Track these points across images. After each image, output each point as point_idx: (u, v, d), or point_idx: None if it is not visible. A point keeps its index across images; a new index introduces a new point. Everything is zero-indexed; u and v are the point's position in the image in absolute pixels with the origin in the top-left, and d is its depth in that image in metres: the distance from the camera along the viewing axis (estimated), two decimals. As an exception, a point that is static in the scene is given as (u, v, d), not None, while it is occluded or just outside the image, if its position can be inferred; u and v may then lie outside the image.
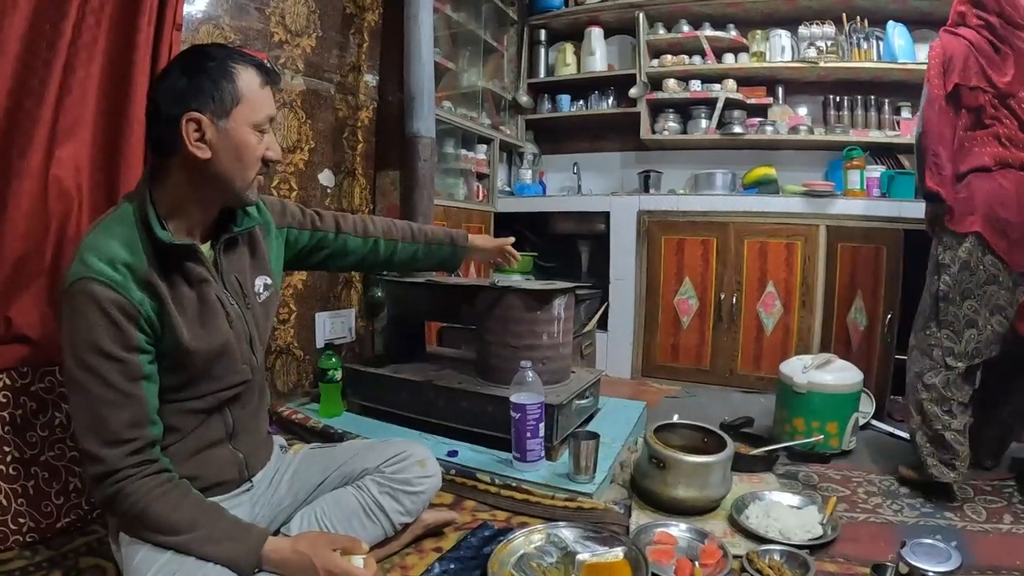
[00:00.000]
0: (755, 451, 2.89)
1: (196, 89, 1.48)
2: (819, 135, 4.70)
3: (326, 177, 3.63)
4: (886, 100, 4.64)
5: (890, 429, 3.43)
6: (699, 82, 4.98)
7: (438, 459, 2.12)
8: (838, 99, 4.77)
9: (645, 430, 2.58)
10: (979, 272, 2.61)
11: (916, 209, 3.56)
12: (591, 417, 3.15)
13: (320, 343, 3.55)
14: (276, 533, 1.70)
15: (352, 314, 3.86)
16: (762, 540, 2.13)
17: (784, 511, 2.30)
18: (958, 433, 2.59)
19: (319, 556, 1.54)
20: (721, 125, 4.89)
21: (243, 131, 1.54)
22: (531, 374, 2.51)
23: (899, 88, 4.55)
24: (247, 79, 1.54)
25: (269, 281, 1.85)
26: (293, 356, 3.43)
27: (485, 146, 5.03)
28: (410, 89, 3.49)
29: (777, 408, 3.28)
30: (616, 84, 5.27)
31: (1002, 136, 2.62)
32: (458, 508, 2.37)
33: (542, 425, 2.52)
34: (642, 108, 5.04)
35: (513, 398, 2.49)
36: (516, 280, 3.49)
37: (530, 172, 5.62)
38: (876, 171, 4.37)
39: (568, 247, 5.40)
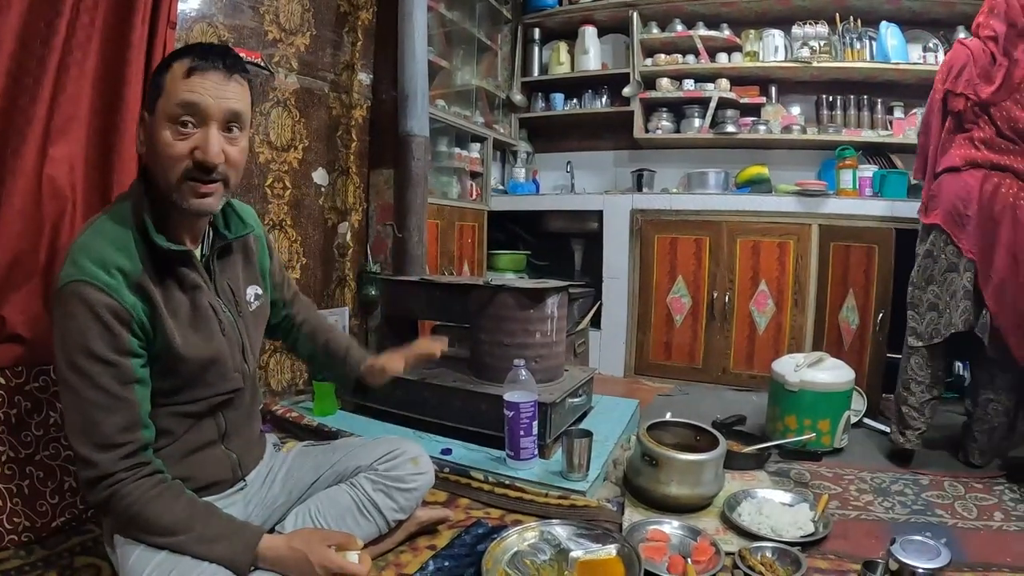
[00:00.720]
0: (747, 449, 2.89)
1: (148, 87, 1.50)
2: (812, 134, 4.71)
3: (320, 175, 3.64)
4: (879, 100, 4.65)
5: (882, 427, 3.43)
6: (692, 81, 4.99)
7: (432, 457, 2.12)
8: (831, 99, 4.78)
9: (638, 428, 2.58)
10: (941, 260, 2.86)
11: (908, 208, 3.59)
12: (584, 415, 3.16)
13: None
14: (271, 532, 1.69)
15: (346, 313, 3.86)
16: (754, 537, 2.13)
17: (776, 508, 2.31)
18: (912, 409, 2.92)
19: (315, 552, 1.54)
20: (714, 124, 4.90)
21: (159, 125, 1.45)
22: (524, 372, 2.52)
23: (892, 88, 4.57)
24: (175, 69, 1.46)
25: (260, 291, 1.85)
26: (287, 355, 3.44)
27: (479, 144, 5.03)
28: (404, 88, 3.49)
29: (769, 406, 3.29)
30: (610, 83, 5.28)
31: (976, 139, 2.77)
32: (452, 506, 2.38)
33: (535, 423, 2.53)
34: (635, 107, 5.05)
35: (506, 396, 2.50)
36: (509, 279, 3.50)
37: (524, 171, 5.62)
38: (868, 170, 4.38)
39: (561, 246, 5.42)
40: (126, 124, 2.10)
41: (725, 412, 3.46)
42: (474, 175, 5.01)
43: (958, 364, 4.04)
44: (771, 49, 4.80)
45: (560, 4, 5.40)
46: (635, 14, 4.99)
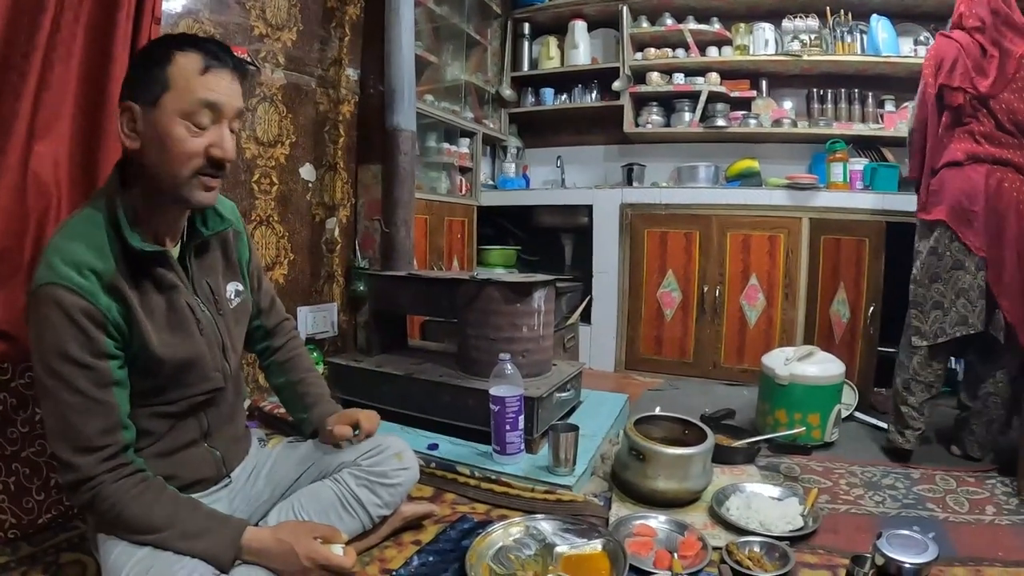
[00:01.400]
0: (737, 443, 2.89)
1: (134, 77, 1.46)
2: (802, 128, 4.71)
3: (307, 171, 3.62)
4: (869, 93, 4.65)
5: (873, 421, 3.43)
6: (682, 75, 4.97)
7: (418, 452, 2.11)
8: (821, 92, 4.78)
9: (626, 422, 2.57)
10: (946, 258, 2.81)
11: (898, 202, 3.58)
12: (573, 410, 3.15)
13: (302, 338, 3.53)
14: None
15: (334, 308, 3.85)
16: (743, 532, 2.12)
17: (765, 503, 2.30)
18: (913, 409, 2.89)
19: (300, 543, 1.53)
20: (704, 118, 4.89)
21: (169, 120, 1.43)
22: (510, 367, 2.51)
23: (883, 81, 4.57)
24: (183, 64, 1.44)
25: (241, 287, 1.83)
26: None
27: (468, 140, 5.02)
28: (391, 82, 3.47)
29: (759, 400, 3.29)
30: (599, 77, 5.27)
31: (977, 133, 2.75)
32: (438, 501, 2.37)
33: (522, 418, 2.53)
34: (625, 101, 5.04)
35: (492, 391, 2.49)
36: (498, 273, 3.49)
37: (513, 165, 5.61)
38: (859, 164, 4.38)
39: (551, 240, 5.41)
40: (111, 120, 2.08)
41: (715, 406, 3.46)
42: (463, 170, 5.00)
43: (951, 358, 4.04)
44: (761, 43, 4.79)
45: (550, -1, 5.39)
46: (625, 8, 4.99)
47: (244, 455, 1.90)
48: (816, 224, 4.18)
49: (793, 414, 3.05)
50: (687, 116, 4.97)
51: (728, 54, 4.92)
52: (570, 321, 4.30)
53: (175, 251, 1.62)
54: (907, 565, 1.74)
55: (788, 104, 4.93)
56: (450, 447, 2.73)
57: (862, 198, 4.11)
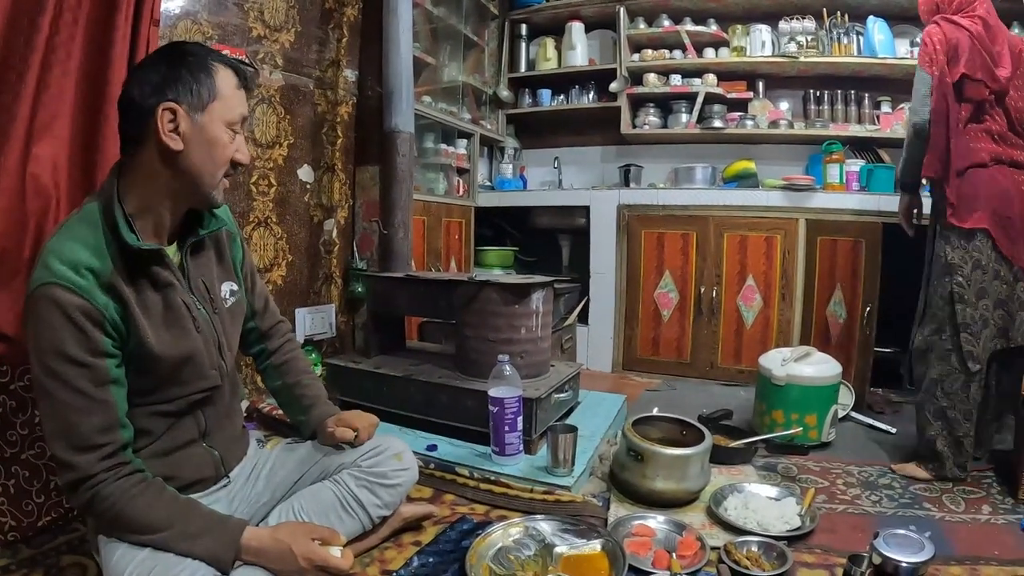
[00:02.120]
0: (734, 443, 2.90)
1: (175, 79, 1.47)
2: (799, 129, 4.72)
3: (305, 172, 3.63)
4: (866, 95, 4.66)
5: (869, 421, 3.45)
6: (679, 76, 4.99)
7: (417, 453, 2.12)
8: (818, 93, 4.79)
9: (624, 423, 2.58)
10: (989, 269, 2.64)
11: (895, 203, 3.58)
12: (571, 410, 3.15)
13: (300, 339, 3.54)
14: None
15: (332, 310, 3.86)
16: (740, 532, 2.14)
17: (763, 503, 2.32)
18: (970, 437, 2.67)
19: (298, 544, 1.54)
20: (701, 119, 4.90)
21: (217, 128, 1.53)
22: (509, 368, 2.52)
23: (879, 83, 4.57)
24: (225, 77, 1.55)
25: (235, 287, 1.84)
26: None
27: (465, 141, 5.01)
28: (388, 84, 3.48)
29: (756, 400, 3.30)
30: (597, 78, 5.27)
31: (994, 132, 2.64)
32: (437, 502, 2.37)
33: (520, 419, 2.53)
34: (622, 102, 5.05)
35: (491, 392, 2.50)
36: (496, 274, 3.50)
37: (511, 166, 5.61)
38: (856, 165, 4.39)
39: (549, 241, 5.42)
40: (109, 122, 2.07)
41: (713, 407, 3.46)
42: (461, 171, 4.99)
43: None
44: (758, 44, 4.79)
45: (547, 0, 5.40)
46: (622, 9, 4.99)
47: (242, 455, 1.91)
48: (812, 225, 4.18)
49: (790, 414, 3.06)
50: (684, 117, 4.97)
51: (725, 55, 4.93)
52: (568, 322, 4.31)
53: (171, 250, 1.63)
54: (904, 564, 1.75)
55: (785, 105, 4.93)
56: (449, 448, 2.73)
57: (858, 199, 4.12)
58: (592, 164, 5.61)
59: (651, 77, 5.00)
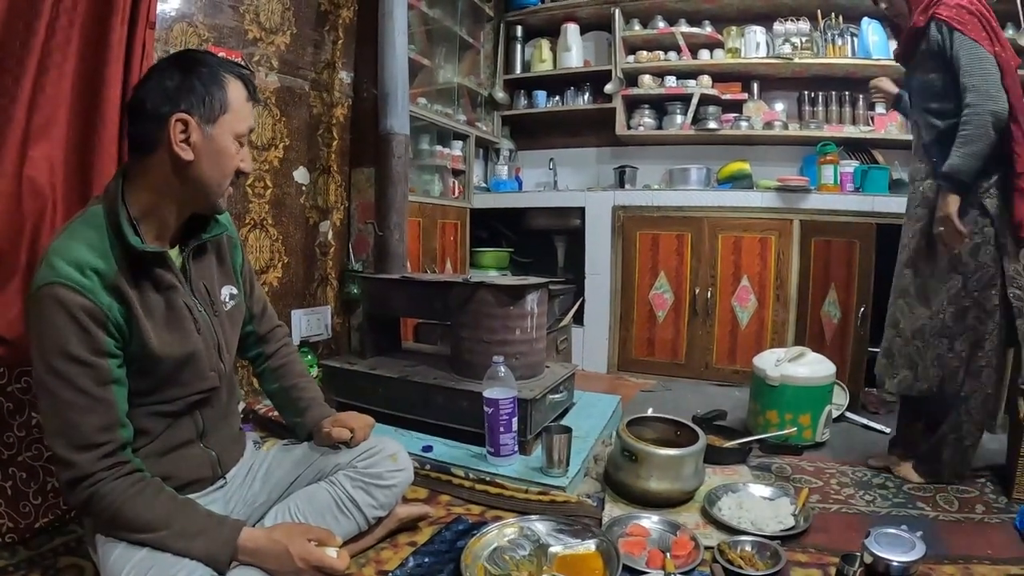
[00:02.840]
0: (729, 444, 2.91)
1: (188, 90, 1.49)
2: (793, 130, 4.74)
3: (301, 174, 3.63)
4: (860, 96, 4.66)
5: (864, 421, 3.46)
6: (674, 78, 5.00)
7: (413, 454, 2.13)
8: (812, 95, 4.80)
9: (619, 424, 2.59)
10: None
11: (889, 203, 3.60)
12: (566, 411, 3.16)
13: (296, 340, 3.55)
14: (250, 529, 1.70)
15: (328, 311, 3.86)
16: (734, 531, 2.15)
17: (757, 503, 2.33)
18: (975, 447, 2.66)
19: (295, 544, 1.54)
20: (696, 121, 4.91)
21: (226, 139, 1.56)
22: (503, 369, 2.53)
23: (872, 84, 4.58)
24: (235, 90, 1.57)
25: (235, 291, 1.85)
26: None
27: (461, 142, 5.02)
28: (384, 86, 3.49)
29: (751, 401, 3.31)
30: (592, 80, 5.29)
31: None
32: (433, 503, 2.38)
33: (515, 420, 2.54)
34: (618, 104, 5.05)
35: (486, 393, 2.51)
36: (491, 276, 3.51)
37: (506, 168, 5.63)
38: (850, 166, 4.40)
39: (544, 242, 5.43)
40: (105, 124, 2.08)
41: (707, 407, 3.47)
42: (456, 173, 5.00)
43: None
44: (753, 46, 4.80)
45: (542, 1, 5.41)
46: (617, 11, 5.00)
47: (239, 456, 1.92)
48: (807, 226, 4.20)
49: (784, 414, 3.07)
50: (679, 118, 4.98)
51: (720, 57, 4.95)
52: (563, 323, 4.31)
53: (173, 253, 1.64)
54: (895, 563, 1.76)
55: (779, 106, 4.95)
56: (444, 449, 2.74)
57: (852, 200, 4.13)
58: (587, 165, 5.62)
59: (646, 78, 5.01)
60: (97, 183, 2.05)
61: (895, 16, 2.72)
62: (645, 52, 5.09)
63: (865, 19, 4.43)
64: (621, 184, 5.10)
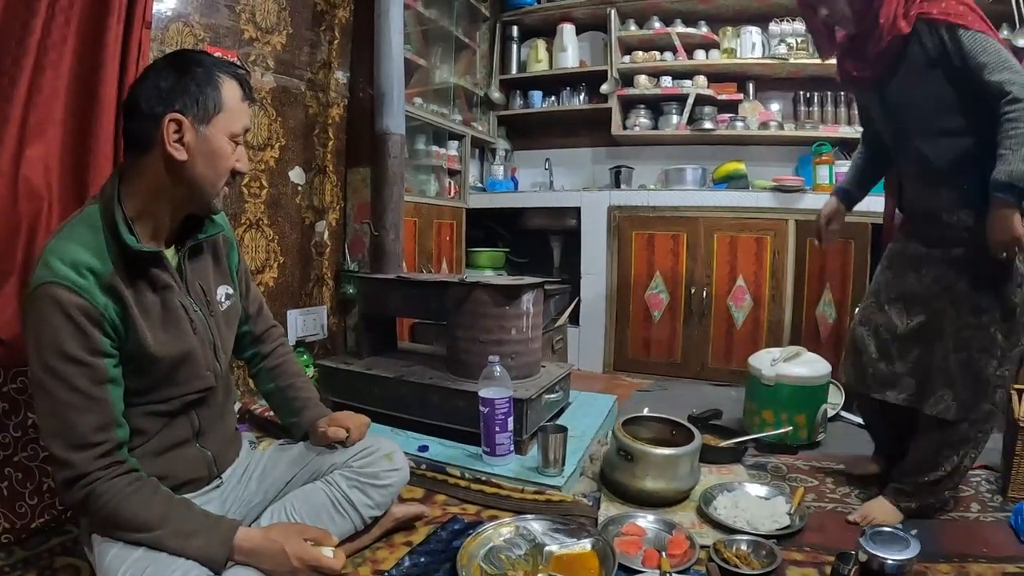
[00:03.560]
0: (724, 443, 2.91)
1: (182, 91, 1.50)
2: (789, 131, 4.74)
3: (297, 174, 3.63)
4: (854, 96, 4.66)
5: (859, 420, 3.45)
6: (670, 78, 5.00)
7: (409, 454, 2.13)
8: (808, 95, 4.81)
9: (615, 423, 2.59)
10: None
11: (883, 203, 3.59)
12: (562, 411, 3.16)
13: (292, 340, 3.54)
14: (246, 529, 1.70)
15: (324, 311, 3.86)
16: (730, 531, 2.15)
17: (752, 502, 2.33)
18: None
19: (291, 544, 1.54)
20: (692, 121, 4.92)
21: (220, 139, 1.56)
22: (499, 369, 2.53)
23: (868, 84, 4.58)
24: (230, 90, 1.57)
25: (231, 291, 1.86)
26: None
27: (457, 142, 5.03)
28: (380, 85, 3.48)
29: (746, 400, 3.31)
30: (588, 80, 5.29)
31: None
32: (428, 502, 2.38)
33: (511, 419, 2.54)
34: (613, 104, 5.06)
35: (481, 393, 2.51)
36: (487, 276, 3.51)
37: (502, 168, 5.63)
38: (845, 166, 4.37)
39: (540, 242, 5.44)
40: (101, 124, 2.08)
41: (703, 407, 3.47)
42: (452, 173, 5.01)
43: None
44: (748, 46, 4.81)
45: (538, 2, 5.42)
46: (613, 11, 5.00)
47: (235, 456, 1.92)
48: (802, 226, 4.21)
49: (780, 414, 3.07)
50: (674, 119, 4.99)
51: (715, 57, 4.95)
52: (559, 323, 4.32)
53: (169, 253, 1.65)
54: (889, 561, 1.77)
55: (775, 107, 4.95)
56: (440, 449, 2.74)
57: (848, 200, 4.12)
58: (583, 165, 5.62)
59: (642, 79, 5.02)
60: (93, 183, 2.06)
61: (837, 22, 2.37)
62: (641, 52, 5.09)
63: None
64: (617, 184, 5.11)
